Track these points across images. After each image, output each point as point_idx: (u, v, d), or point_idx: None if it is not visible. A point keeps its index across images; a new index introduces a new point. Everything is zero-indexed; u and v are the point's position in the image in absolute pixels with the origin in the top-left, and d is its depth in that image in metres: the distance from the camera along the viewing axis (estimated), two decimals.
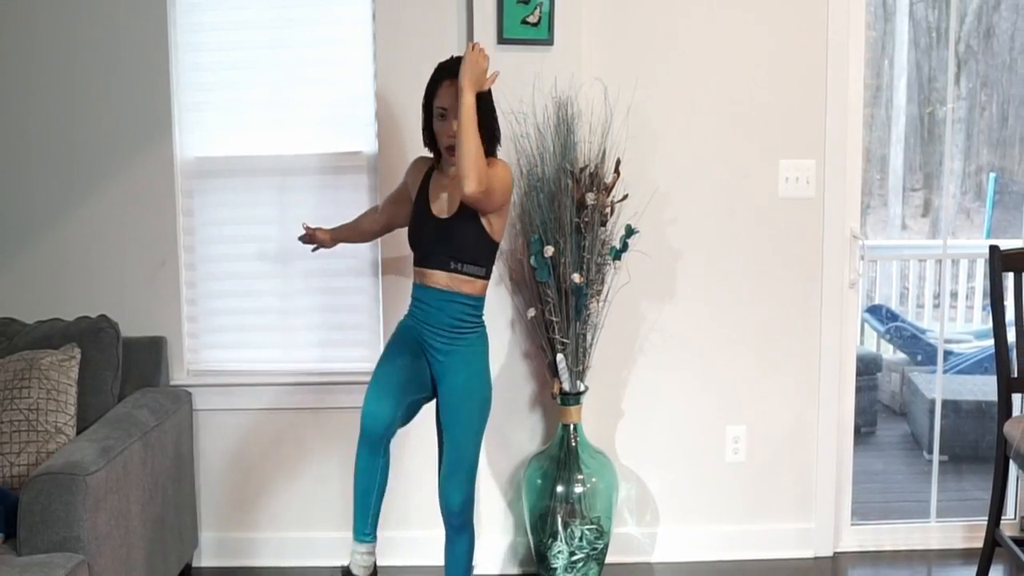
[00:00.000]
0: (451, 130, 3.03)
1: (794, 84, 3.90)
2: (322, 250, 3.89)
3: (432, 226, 3.12)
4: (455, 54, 3.76)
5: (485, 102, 3.07)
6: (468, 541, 3.24)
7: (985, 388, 5.49)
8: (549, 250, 3.57)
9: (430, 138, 3.18)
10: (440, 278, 3.10)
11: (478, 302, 3.15)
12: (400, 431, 3.16)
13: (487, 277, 3.17)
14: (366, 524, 3.13)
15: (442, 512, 3.20)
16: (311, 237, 3.57)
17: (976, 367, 6.01)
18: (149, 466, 3.43)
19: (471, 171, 2.91)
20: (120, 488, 3.17)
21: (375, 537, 3.15)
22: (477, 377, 3.17)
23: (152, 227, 3.92)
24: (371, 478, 3.11)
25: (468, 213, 3.06)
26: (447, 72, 3.08)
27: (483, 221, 3.08)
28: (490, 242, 3.13)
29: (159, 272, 3.94)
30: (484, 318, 3.21)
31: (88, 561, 2.93)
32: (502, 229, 3.16)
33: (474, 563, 3.30)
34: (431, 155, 3.28)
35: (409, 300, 3.22)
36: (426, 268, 3.12)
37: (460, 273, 3.09)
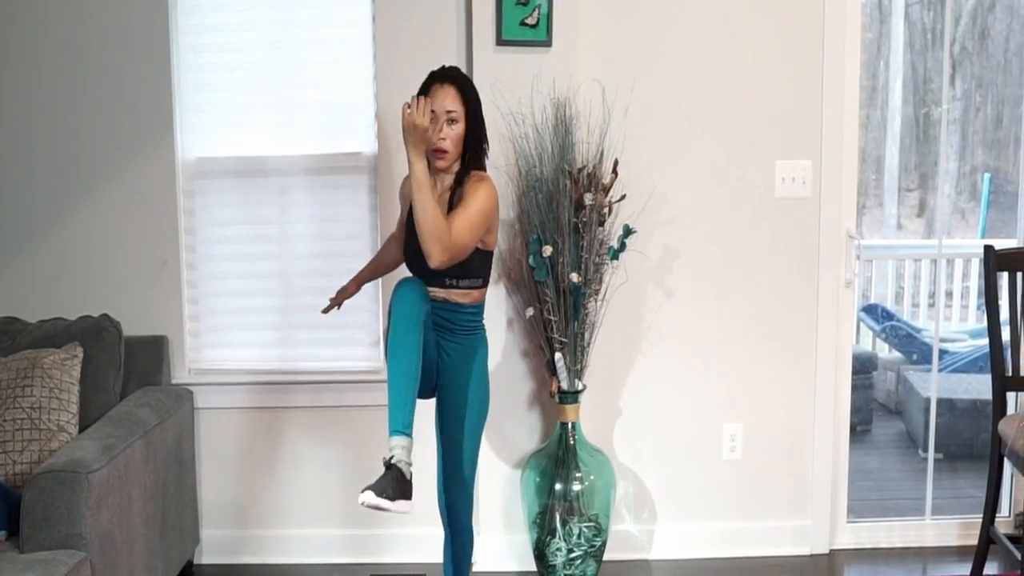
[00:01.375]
0: (440, 132, 3.04)
1: (790, 85, 3.92)
2: (323, 249, 3.93)
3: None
4: (454, 56, 3.82)
5: (474, 115, 3.08)
6: (467, 540, 3.26)
7: (980, 387, 5.50)
8: (547, 250, 3.59)
9: None
10: (437, 293, 3.09)
11: (479, 308, 3.16)
12: None
13: (485, 285, 3.16)
14: (404, 422, 2.87)
15: (441, 512, 3.23)
16: (338, 300, 3.51)
17: (971, 366, 6.03)
18: (151, 464, 3.44)
19: (433, 245, 2.85)
20: (122, 486, 3.18)
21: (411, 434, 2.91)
22: (477, 378, 3.17)
23: (154, 227, 3.93)
24: (412, 353, 2.88)
25: None
26: (436, 77, 3.09)
27: None
28: (483, 253, 3.12)
29: (161, 271, 3.95)
30: (484, 320, 3.22)
31: (90, 558, 2.94)
32: (495, 239, 3.16)
33: (473, 560, 3.32)
34: None
35: None
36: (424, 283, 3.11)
37: (456, 288, 3.09)
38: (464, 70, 3.78)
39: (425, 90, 3.10)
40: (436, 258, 2.88)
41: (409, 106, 2.86)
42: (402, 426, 2.83)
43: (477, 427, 3.20)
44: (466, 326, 3.13)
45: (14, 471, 3.29)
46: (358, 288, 3.54)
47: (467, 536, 3.25)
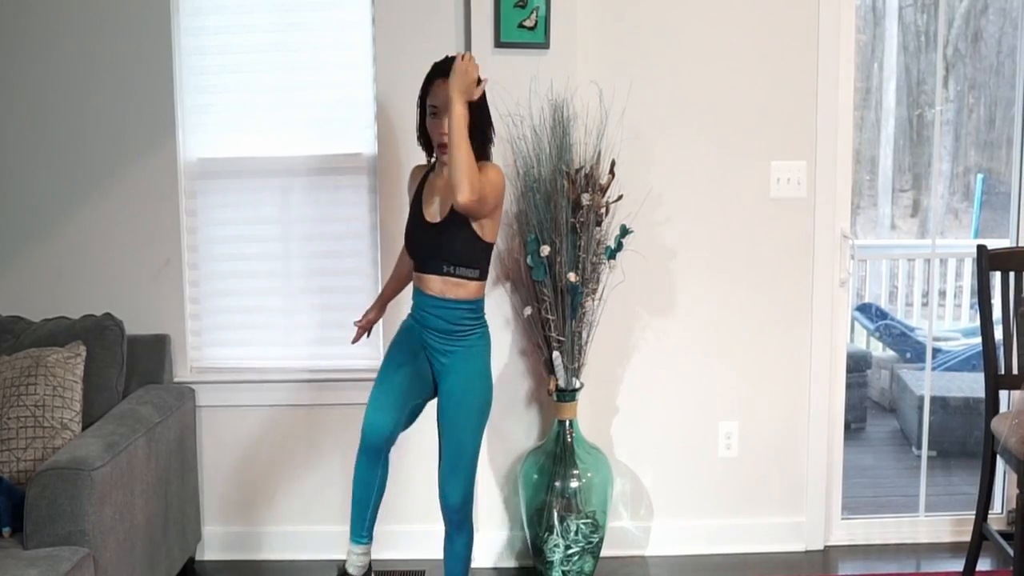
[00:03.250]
0: (442, 128, 3.05)
1: (785, 87, 3.95)
2: (323, 249, 3.95)
3: (424, 231, 3.13)
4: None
5: (480, 107, 3.09)
6: (467, 537, 3.27)
7: (973, 385, 5.55)
8: (545, 249, 3.61)
9: (424, 136, 3.20)
10: (435, 283, 3.11)
11: (475, 304, 3.17)
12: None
13: (483, 278, 3.17)
14: (362, 528, 3.18)
15: (442, 509, 3.23)
16: (364, 328, 3.51)
17: (964, 364, 6.04)
18: (153, 461, 3.46)
19: (463, 180, 2.93)
20: (125, 483, 3.20)
21: (371, 538, 3.20)
22: (477, 376, 3.18)
23: (156, 227, 3.95)
24: (369, 488, 3.16)
25: (459, 217, 3.07)
26: (440, 71, 3.10)
27: (474, 225, 3.09)
28: (482, 244, 3.13)
29: (163, 271, 3.97)
30: (485, 317, 3.23)
31: (93, 554, 2.96)
32: (495, 231, 3.17)
33: (472, 556, 3.34)
34: (425, 163, 3.30)
35: (411, 300, 3.26)
36: (422, 273, 3.15)
37: (454, 276, 3.10)
38: None
39: (428, 83, 3.12)
40: (466, 192, 2.93)
41: (463, 57, 3.01)
42: (358, 536, 3.18)
43: (479, 426, 3.21)
44: (463, 326, 3.14)
45: (18, 468, 3.30)
46: (383, 311, 3.54)
47: (468, 532, 3.27)
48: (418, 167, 3.33)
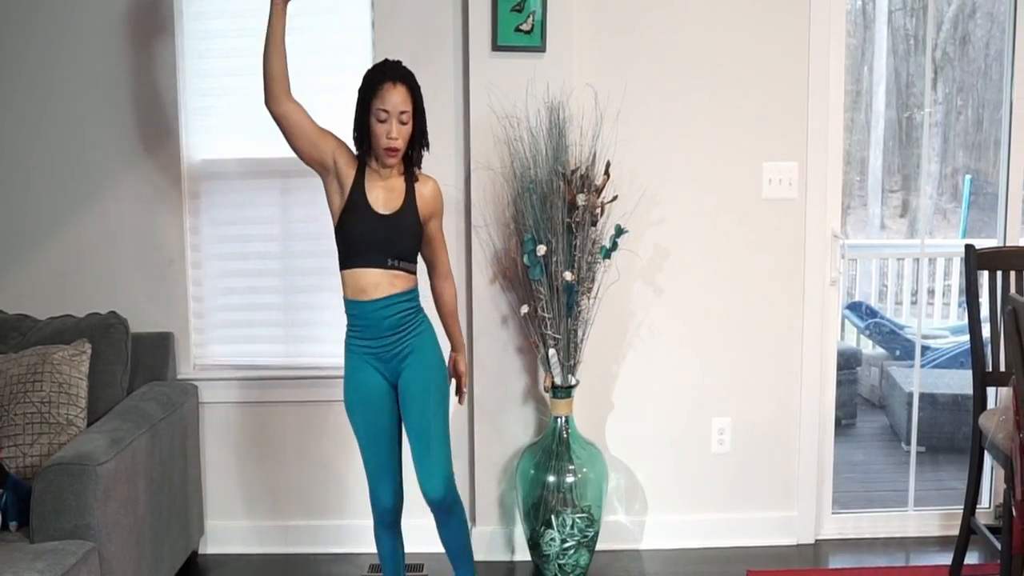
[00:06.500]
0: (392, 132, 3.04)
1: (777, 89, 3.98)
2: (323, 249, 3.96)
3: (375, 222, 3.09)
4: (451, 61, 3.86)
5: (421, 109, 3.10)
6: (460, 517, 3.30)
7: (961, 382, 5.56)
8: (541, 249, 3.64)
9: (361, 136, 3.12)
10: (371, 278, 3.09)
11: (413, 294, 3.16)
12: None
13: (415, 272, 3.19)
14: None
15: (428, 502, 3.21)
16: None
17: (952, 361, 6.08)
18: (157, 456, 3.49)
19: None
20: (129, 478, 3.22)
21: None
22: (431, 361, 3.18)
23: (160, 227, 3.98)
24: (395, 557, 3.38)
25: (409, 212, 3.11)
26: (387, 75, 3.06)
27: (421, 219, 3.15)
28: (419, 239, 3.20)
29: (167, 270, 4.00)
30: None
31: (98, 548, 2.99)
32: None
33: (470, 531, 3.35)
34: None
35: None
36: (359, 268, 3.11)
37: (396, 269, 3.10)
38: (460, 75, 3.88)
39: (376, 85, 3.05)
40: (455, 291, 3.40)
41: None
42: None
43: (444, 409, 3.21)
44: (408, 314, 3.14)
45: (24, 464, 3.33)
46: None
47: (459, 513, 3.30)
48: (348, 148, 3.19)
